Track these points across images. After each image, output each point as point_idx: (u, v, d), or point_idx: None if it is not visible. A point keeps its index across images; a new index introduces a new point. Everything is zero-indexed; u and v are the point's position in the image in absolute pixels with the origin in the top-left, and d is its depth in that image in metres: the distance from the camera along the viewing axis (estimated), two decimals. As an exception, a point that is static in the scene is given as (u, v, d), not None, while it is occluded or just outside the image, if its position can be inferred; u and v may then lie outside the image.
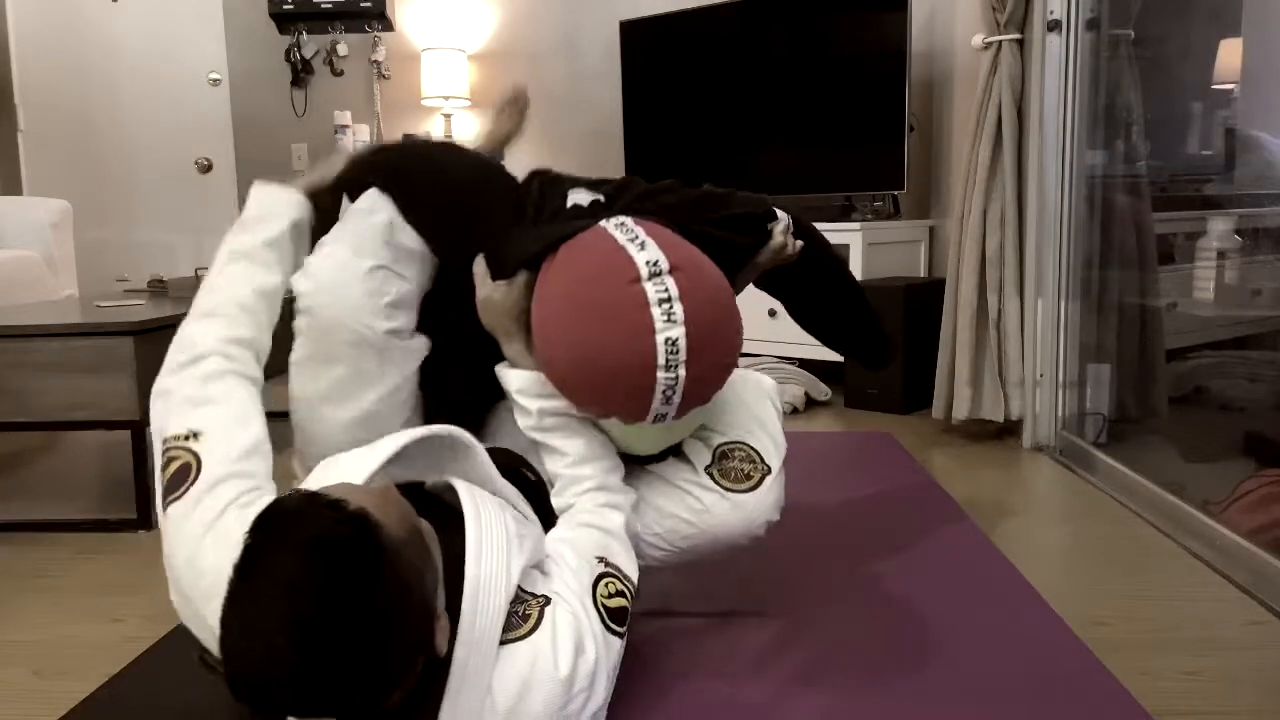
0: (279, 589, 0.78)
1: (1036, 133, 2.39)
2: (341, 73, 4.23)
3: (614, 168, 3.96)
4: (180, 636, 1.34)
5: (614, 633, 1.06)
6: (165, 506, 1.11)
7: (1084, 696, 1.13)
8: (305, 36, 4.17)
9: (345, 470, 1.08)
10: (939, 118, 3.30)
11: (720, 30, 3.55)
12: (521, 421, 1.24)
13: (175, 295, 2.62)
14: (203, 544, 1.05)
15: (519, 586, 1.01)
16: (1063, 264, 2.43)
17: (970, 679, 1.18)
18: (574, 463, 1.21)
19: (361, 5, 3.98)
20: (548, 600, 1.02)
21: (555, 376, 1.17)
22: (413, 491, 1.09)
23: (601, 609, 1.06)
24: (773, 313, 3.17)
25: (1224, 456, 2.29)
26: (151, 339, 1.98)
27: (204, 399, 1.20)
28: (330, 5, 3.99)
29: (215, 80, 4.34)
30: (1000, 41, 2.41)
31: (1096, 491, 2.12)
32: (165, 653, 1.33)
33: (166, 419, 1.19)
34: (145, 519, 1.96)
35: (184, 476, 1.12)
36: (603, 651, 1.02)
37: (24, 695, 1.28)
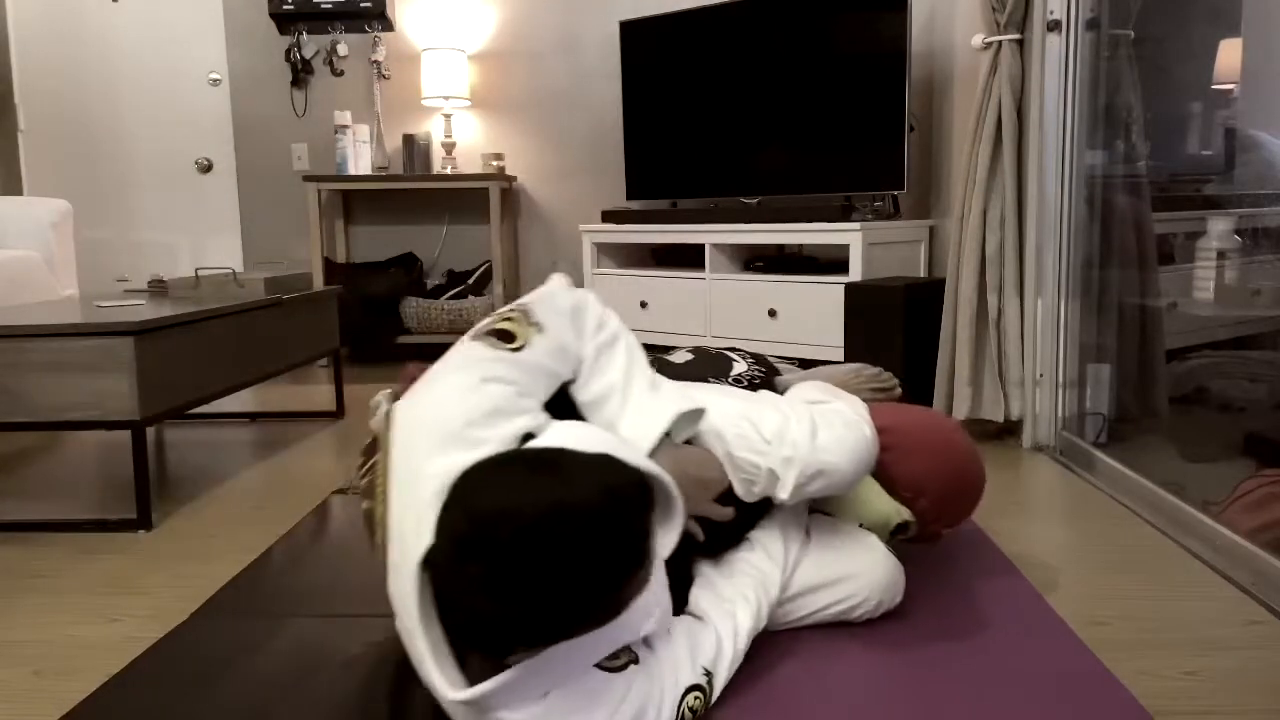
0: (565, 492, 0.87)
1: (1036, 133, 2.39)
2: (341, 73, 4.23)
3: (614, 167, 3.97)
4: (180, 636, 1.34)
5: None
6: (473, 338, 1.16)
7: (1084, 696, 1.13)
8: (305, 36, 4.18)
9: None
10: (939, 118, 3.30)
11: (720, 30, 3.55)
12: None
13: (175, 295, 2.62)
14: (465, 383, 1.09)
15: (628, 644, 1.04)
16: (1063, 264, 2.43)
17: (970, 678, 1.18)
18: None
19: (361, 5, 3.98)
20: (635, 660, 1.04)
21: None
22: None
23: (682, 715, 1.07)
24: (773, 312, 3.17)
25: (1224, 456, 2.29)
26: (151, 339, 1.98)
27: (568, 326, 1.22)
28: (330, 5, 3.99)
29: (215, 80, 4.34)
30: (1000, 41, 2.41)
31: (1096, 491, 2.12)
32: (165, 653, 1.33)
33: (532, 303, 1.21)
34: (146, 519, 1.96)
35: (506, 338, 1.15)
36: None
37: (24, 695, 1.28)
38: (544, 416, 1.12)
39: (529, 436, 1.05)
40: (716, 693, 1.13)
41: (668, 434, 1.19)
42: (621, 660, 1.03)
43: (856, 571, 1.34)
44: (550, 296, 1.23)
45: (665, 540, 1.05)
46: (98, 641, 1.44)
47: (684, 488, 1.08)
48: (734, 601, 1.22)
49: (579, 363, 1.22)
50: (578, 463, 0.92)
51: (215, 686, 1.17)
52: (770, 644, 1.29)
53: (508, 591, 0.85)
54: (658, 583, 1.10)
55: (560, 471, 0.90)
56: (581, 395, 1.21)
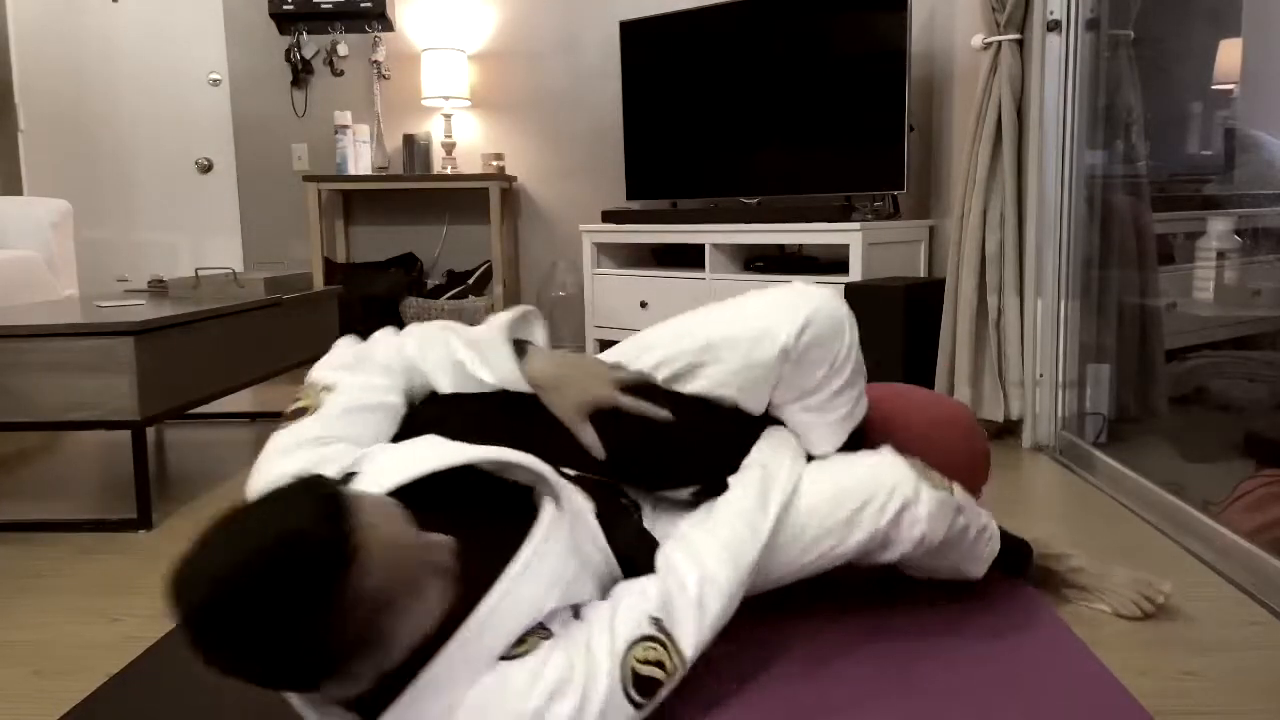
0: (241, 544, 0.82)
1: (1036, 133, 2.39)
2: (341, 73, 4.23)
3: (614, 167, 3.97)
4: (180, 637, 1.34)
5: (631, 701, 1.00)
6: (275, 430, 1.21)
7: (1084, 696, 1.13)
8: (305, 36, 4.17)
9: (398, 462, 1.08)
10: (939, 118, 3.30)
11: (720, 30, 3.55)
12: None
13: (175, 295, 2.62)
14: (271, 460, 1.16)
15: (541, 623, 1.01)
16: (1062, 264, 2.43)
17: (969, 678, 1.18)
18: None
19: (361, 5, 3.98)
20: (549, 635, 1.00)
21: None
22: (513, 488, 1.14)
23: (630, 671, 1.01)
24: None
25: (1224, 456, 2.29)
26: (151, 339, 1.98)
27: (359, 371, 1.28)
28: (330, 5, 3.99)
29: (215, 80, 4.34)
30: (1000, 42, 2.41)
31: (1096, 491, 2.12)
32: (165, 653, 1.33)
33: (320, 370, 1.28)
34: (146, 519, 1.96)
35: (300, 414, 1.22)
36: (598, 709, 0.97)
37: (24, 695, 1.28)
38: (359, 450, 1.15)
39: (350, 476, 1.08)
40: (686, 639, 1.06)
41: (522, 354, 1.27)
42: (527, 644, 0.99)
43: (864, 475, 1.27)
44: (328, 357, 1.31)
45: (567, 498, 1.10)
46: (98, 641, 1.44)
47: (562, 393, 1.22)
48: (702, 547, 1.15)
49: (404, 378, 1.27)
50: (256, 516, 0.85)
51: (215, 686, 1.17)
52: (757, 632, 1.29)
53: (212, 654, 0.83)
54: (594, 551, 1.13)
55: (235, 529, 0.84)
56: (440, 387, 1.28)
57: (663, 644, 1.04)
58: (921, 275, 3.28)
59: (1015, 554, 1.48)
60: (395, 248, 4.29)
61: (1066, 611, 1.42)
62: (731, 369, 1.29)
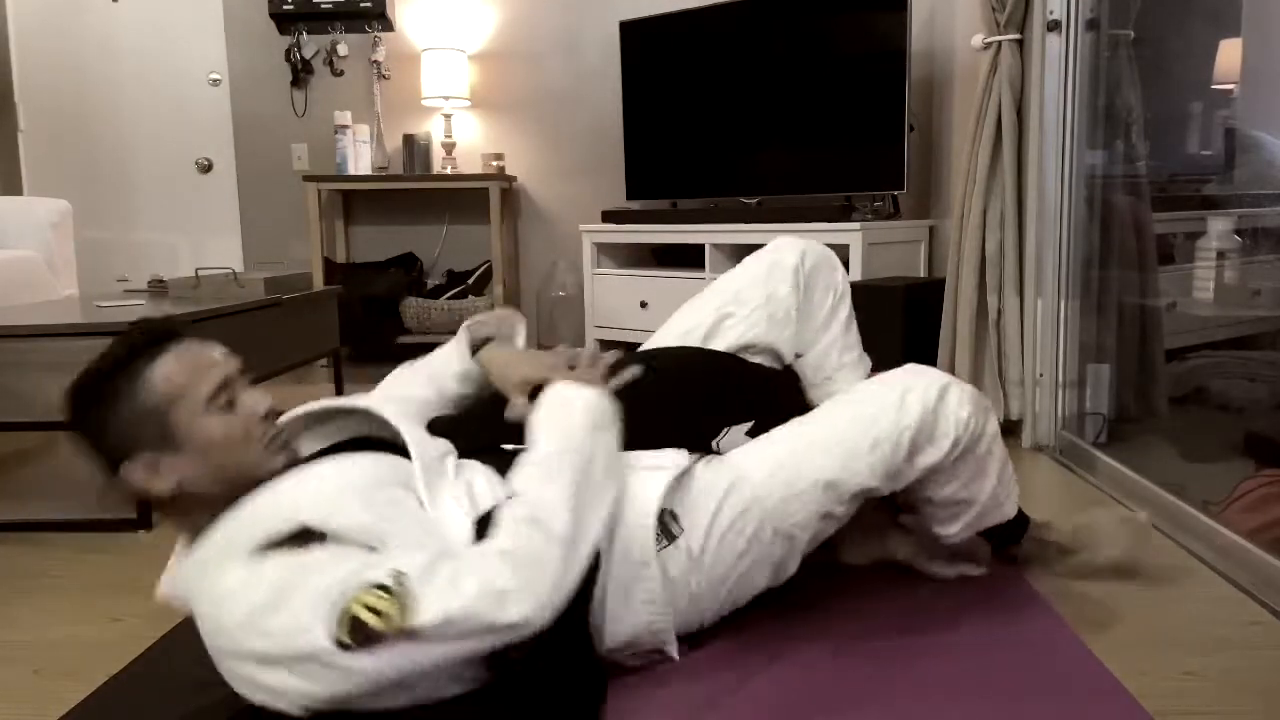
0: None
1: (1036, 133, 2.39)
2: (341, 73, 4.23)
3: (614, 167, 3.97)
4: (180, 637, 1.34)
5: (334, 638, 0.93)
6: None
7: (1084, 696, 1.13)
8: (305, 36, 4.18)
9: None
10: (939, 118, 3.30)
11: (720, 30, 3.55)
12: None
13: (175, 295, 2.62)
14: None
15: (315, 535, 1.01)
16: (1062, 264, 2.43)
17: (969, 678, 1.18)
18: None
19: (361, 5, 3.98)
20: (306, 548, 0.99)
21: None
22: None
23: (346, 609, 0.94)
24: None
25: (1224, 456, 2.29)
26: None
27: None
28: (330, 5, 3.99)
29: (215, 80, 4.34)
30: (1000, 41, 2.41)
31: (1096, 491, 2.12)
32: (165, 653, 1.33)
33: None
34: (146, 519, 1.96)
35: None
36: (295, 630, 0.94)
37: (24, 695, 1.28)
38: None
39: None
40: (428, 610, 0.94)
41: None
42: (284, 549, 1.02)
43: (898, 373, 1.35)
44: None
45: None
46: (98, 641, 1.44)
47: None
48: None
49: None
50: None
51: (215, 686, 1.17)
52: (757, 629, 1.29)
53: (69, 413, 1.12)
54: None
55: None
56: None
57: (398, 599, 0.94)
58: (921, 275, 3.28)
59: (1016, 520, 1.48)
60: (395, 248, 4.29)
61: (1066, 612, 1.42)
62: (756, 304, 1.51)
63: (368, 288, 4.03)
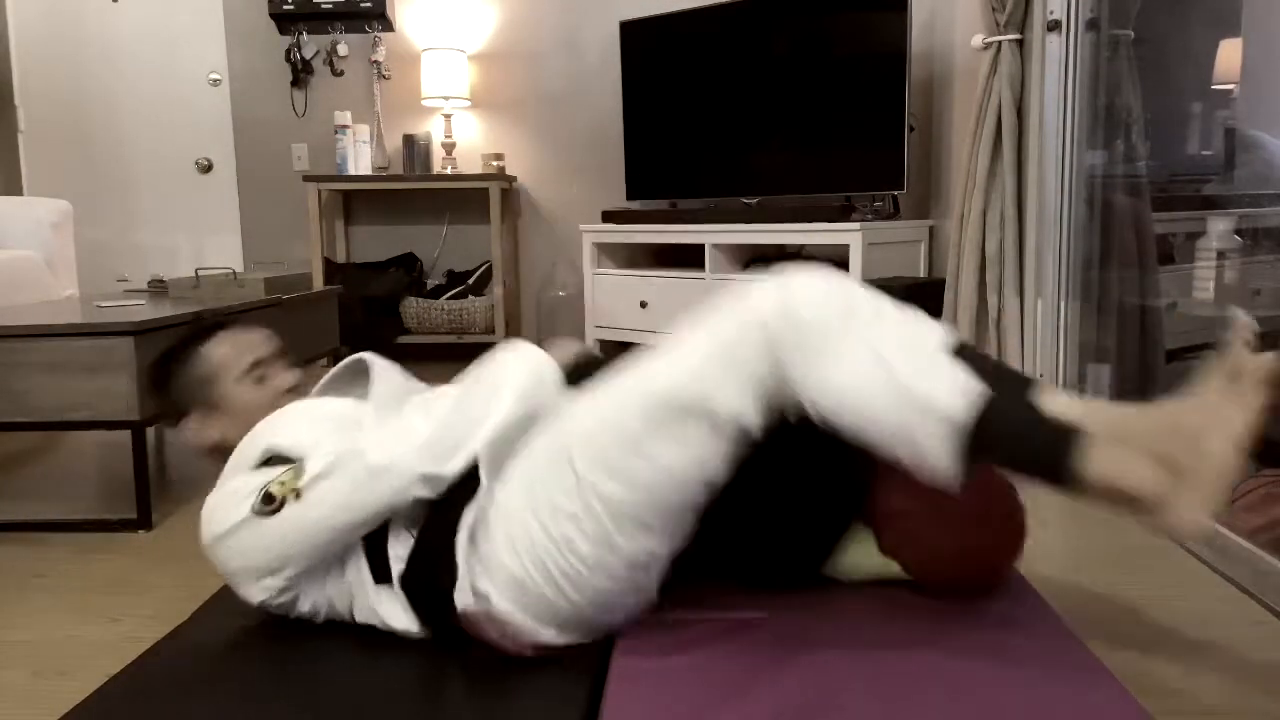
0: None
1: (1036, 133, 2.39)
2: (341, 73, 4.23)
3: (614, 167, 3.97)
4: (180, 636, 1.34)
5: (253, 509, 1.17)
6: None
7: (1084, 696, 1.13)
8: (305, 36, 4.18)
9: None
10: (939, 118, 3.30)
11: (720, 30, 3.55)
12: None
13: (175, 295, 2.62)
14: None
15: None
16: (1063, 264, 2.43)
17: (968, 678, 1.18)
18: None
19: (361, 5, 3.98)
20: (282, 466, 1.21)
21: None
22: None
23: (263, 489, 1.17)
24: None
25: (1224, 456, 2.28)
26: (151, 339, 1.98)
27: None
28: (330, 5, 4.00)
29: (215, 80, 4.34)
30: (1000, 42, 2.41)
31: (1096, 491, 2.11)
32: (165, 653, 1.33)
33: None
34: (145, 519, 1.96)
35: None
36: (228, 518, 1.19)
37: (24, 695, 1.28)
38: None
39: None
40: (309, 474, 1.16)
41: None
42: (270, 466, 1.23)
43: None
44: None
45: None
46: (98, 641, 1.44)
47: None
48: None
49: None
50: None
51: (215, 686, 1.17)
52: (757, 633, 1.29)
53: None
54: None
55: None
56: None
57: (295, 473, 1.18)
58: (921, 275, 3.28)
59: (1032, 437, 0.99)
60: (395, 248, 4.29)
61: (1065, 612, 1.42)
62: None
63: (368, 288, 4.03)
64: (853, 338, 1.00)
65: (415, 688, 1.15)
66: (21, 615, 1.55)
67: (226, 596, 1.48)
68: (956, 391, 0.96)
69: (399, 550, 1.19)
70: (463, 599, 1.15)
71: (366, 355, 1.44)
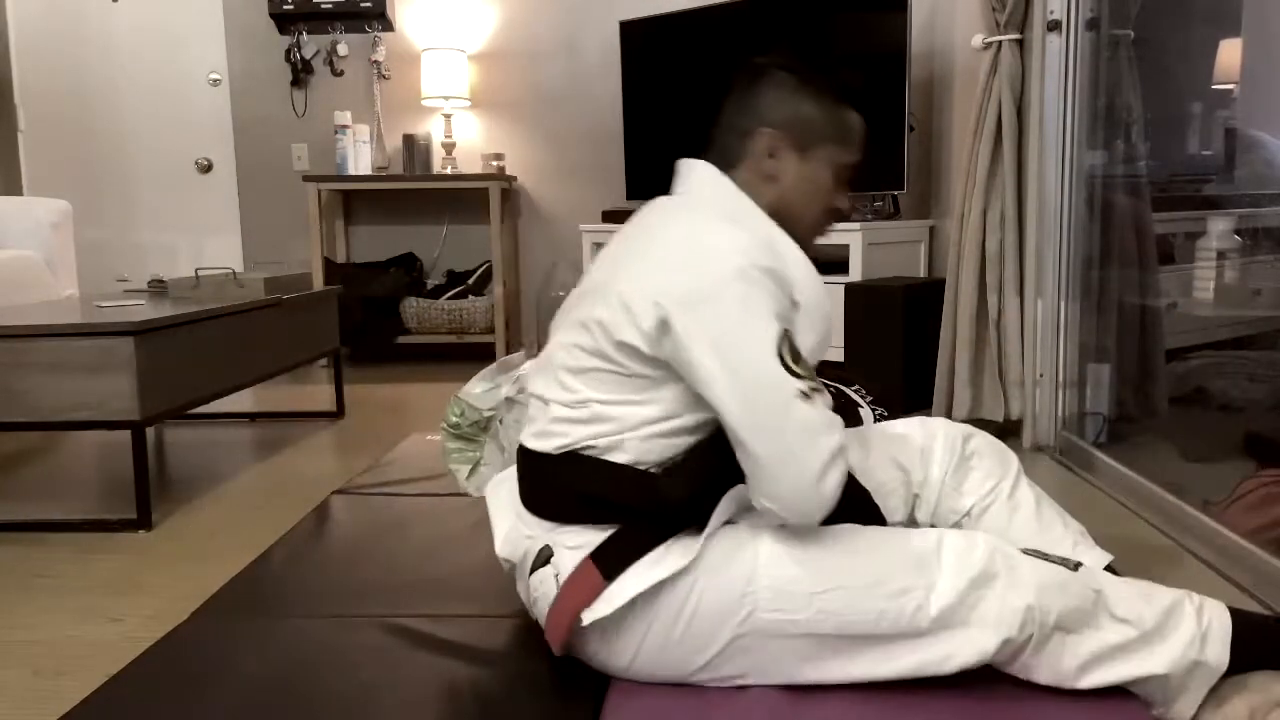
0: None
1: (1036, 133, 2.39)
2: (341, 73, 4.23)
3: (614, 168, 3.97)
4: (180, 636, 1.34)
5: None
6: None
7: (1084, 696, 1.13)
8: (305, 36, 4.18)
9: None
10: (939, 118, 3.30)
11: (720, 30, 3.55)
12: None
13: (175, 295, 2.62)
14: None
15: None
16: (1063, 264, 2.43)
17: (968, 678, 1.18)
18: None
19: (361, 5, 3.98)
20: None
21: None
22: None
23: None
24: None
25: (1224, 456, 2.29)
26: (151, 339, 1.98)
27: None
28: (330, 5, 4.00)
29: (215, 80, 4.34)
30: (1000, 41, 2.41)
31: (1096, 491, 2.12)
32: (165, 653, 1.33)
33: None
34: (145, 519, 1.96)
35: None
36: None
37: (24, 695, 1.28)
38: None
39: None
40: None
41: None
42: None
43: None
44: None
45: None
46: (98, 641, 1.44)
47: None
48: None
49: None
50: None
51: (215, 686, 1.17)
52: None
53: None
54: None
55: None
56: None
57: None
58: (921, 275, 3.28)
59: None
60: (395, 248, 4.29)
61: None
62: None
63: (368, 288, 4.03)
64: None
65: (415, 690, 1.15)
66: (21, 615, 1.55)
67: (226, 596, 1.48)
68: None
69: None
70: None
71: None
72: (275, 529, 1.84)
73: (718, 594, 1.06)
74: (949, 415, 2.56)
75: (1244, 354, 2.66)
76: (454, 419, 1.37)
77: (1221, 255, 2.62)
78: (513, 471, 1.23)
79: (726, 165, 1.28)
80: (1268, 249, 2.67)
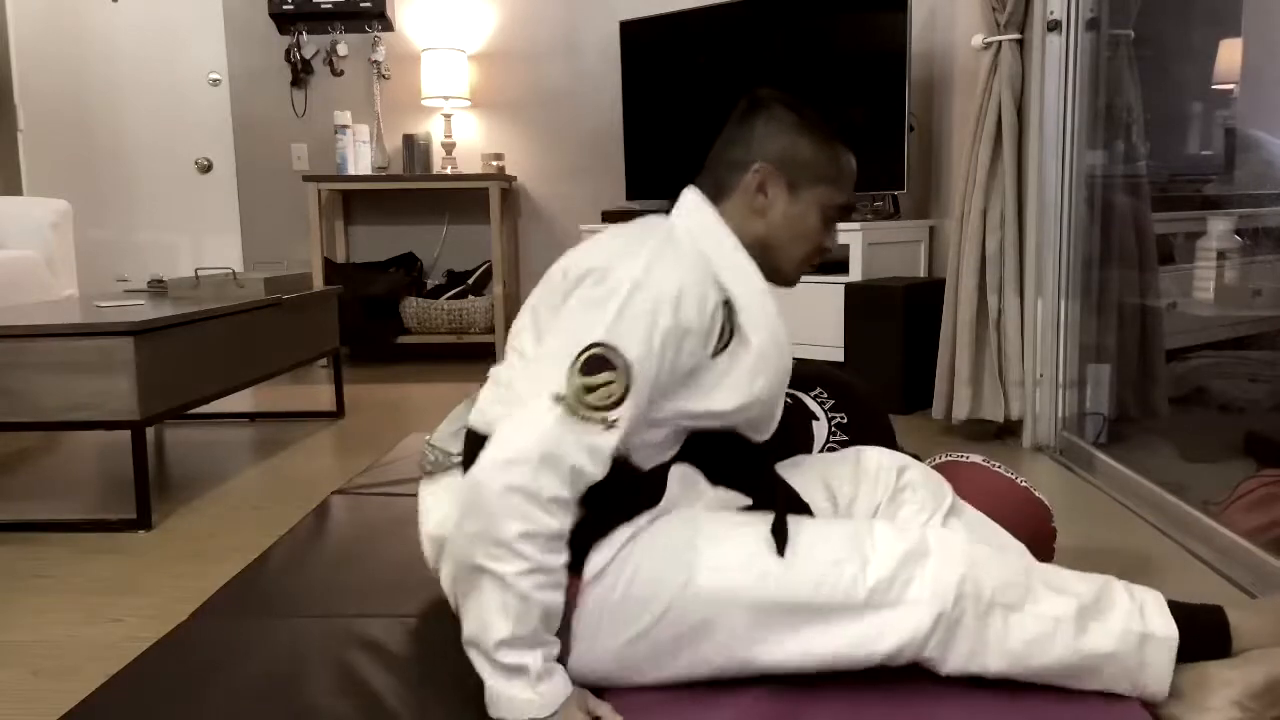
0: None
1: (1036, 133, 2.39)
2: (341, 73, 4.23)
3: (614, 168, 3.97)
4: (180, 636, 1.34)
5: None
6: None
7: (1084, 697, 1.13)
8: (305, 36, 4.18)
9: None
10: (939, 118, 3.30)
11: (720, 30, 3.55)
12: None
13: (175, 295, 2.62)
14: None
15: None
16: (1063, 264, 2.43)
17: (968, 679, 1.18)
18: None
19: (361, 5, 3.99)
20: None
21: None
22: None
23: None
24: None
25: (1224, 456, 2.29)
26: (151, 339, 1.98)
27: None
28: (330, 5, 4.00)
29: (215, 80, 4.34)
30: (1000, 41, 2.41)
31: (1096, 491, 2.12)
32: (165, 653, 1.33)
33: None
34: (145, 519, 1.96)
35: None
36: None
37: (24, 695, 1.28)
38: None
39: None
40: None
41: None
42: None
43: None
44: None
45: None
46: (98, 641, 1.44)
47: None
48: None
49: None
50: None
51: (215, 687, 1.17)
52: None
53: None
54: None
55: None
56: None
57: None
58: (921, 275, 3.28)
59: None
60: (395, 248, 4.29)
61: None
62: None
63: (368, 288, 4.03)
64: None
65: (415, 689, 1.15)
66: (21, 615, 1.55)
67: (226, 596, 1.48)
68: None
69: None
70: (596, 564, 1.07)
71: None
72: (275, 529, 1.84)
73: (655, 562, 1.07)
74: (949, 415, 2.56)
75: (1244, 354, 2.67)
76: (428, 467, 1.31)
77: (1221, 255, 2.62)
78: (452, 475, 1.25)
79: (717, 194, 1.28)
80: (1268, 249, 2.67)
